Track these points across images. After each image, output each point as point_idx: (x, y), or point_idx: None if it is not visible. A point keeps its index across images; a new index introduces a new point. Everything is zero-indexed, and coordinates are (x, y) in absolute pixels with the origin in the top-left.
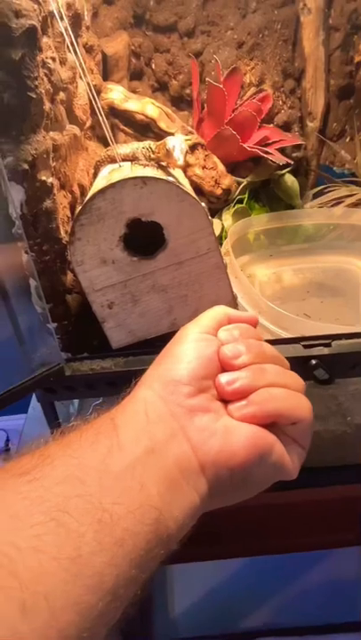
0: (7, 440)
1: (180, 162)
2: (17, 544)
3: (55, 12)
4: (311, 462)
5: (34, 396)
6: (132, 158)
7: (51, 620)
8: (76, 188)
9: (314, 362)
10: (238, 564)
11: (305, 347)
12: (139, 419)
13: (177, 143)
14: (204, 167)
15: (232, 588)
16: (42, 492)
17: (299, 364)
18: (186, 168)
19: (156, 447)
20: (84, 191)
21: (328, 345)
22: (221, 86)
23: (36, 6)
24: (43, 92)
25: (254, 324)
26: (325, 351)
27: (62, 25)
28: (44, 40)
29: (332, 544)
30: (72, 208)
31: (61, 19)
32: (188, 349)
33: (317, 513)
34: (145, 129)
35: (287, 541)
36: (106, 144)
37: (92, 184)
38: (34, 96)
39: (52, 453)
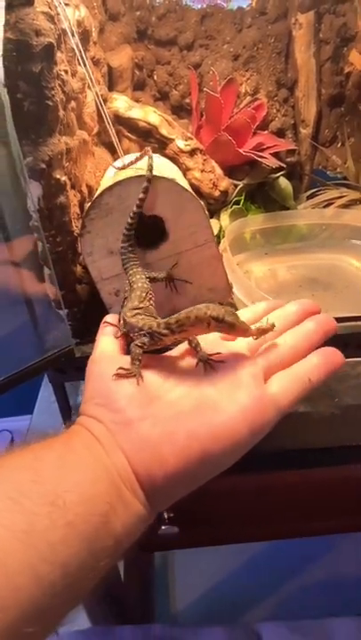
0: (12, 440)
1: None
2: None
3: (67, 30)
4: (302, 443)
5: (40, 391)
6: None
7: (5, 580)
8: (84, 188)
9: None
10: (244, 554)
11: None
12: (86, 435)
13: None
14: (202, 171)
15: (237, 578)
16: (0, 477)
17: None
18: (186, 171)
19: (102, 457)
20: (91, 191)
21: None
22: (218, 96)
23: (52, 26)
24: (58, 100)
25: None
26: None
27: (74, 41)
28: (59, 54)
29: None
30: (81, 206)
31: (73, 35)
32: (96, 371)
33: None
34: (147, 135)
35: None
36: (111, 150)
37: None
38: (50, 104)
39: (11, 450)
